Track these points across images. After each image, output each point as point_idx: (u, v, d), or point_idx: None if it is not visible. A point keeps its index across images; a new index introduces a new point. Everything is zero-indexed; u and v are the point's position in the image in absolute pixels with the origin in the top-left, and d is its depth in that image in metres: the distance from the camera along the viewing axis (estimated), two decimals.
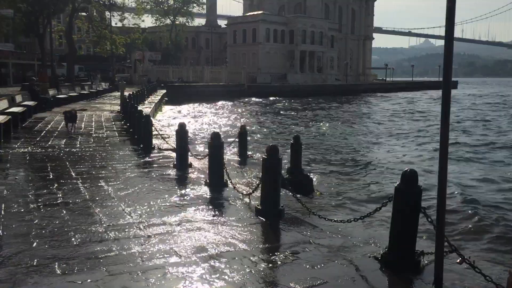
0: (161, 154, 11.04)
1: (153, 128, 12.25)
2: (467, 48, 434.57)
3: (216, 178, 7.71)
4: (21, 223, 5.61)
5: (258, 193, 6.42)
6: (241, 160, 13.82)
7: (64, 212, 6.14)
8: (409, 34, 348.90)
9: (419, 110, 44.66)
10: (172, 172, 8.92)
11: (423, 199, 4.38)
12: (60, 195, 7.01)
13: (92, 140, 13.27)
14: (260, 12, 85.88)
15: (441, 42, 6.20)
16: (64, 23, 55.53)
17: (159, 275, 4.19)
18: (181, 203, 6.78)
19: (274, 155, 5.97)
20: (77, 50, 52.79)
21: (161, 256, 4.64)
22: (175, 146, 9.95)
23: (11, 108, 16.41)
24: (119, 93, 30.12)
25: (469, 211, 10.35)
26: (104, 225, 5.60)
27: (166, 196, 7.10)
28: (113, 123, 18.12)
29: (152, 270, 4.29)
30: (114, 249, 4.81)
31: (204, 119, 32.35)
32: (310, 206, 6.30)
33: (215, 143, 7.66)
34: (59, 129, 15.55)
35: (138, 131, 12.87)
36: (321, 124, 30.42)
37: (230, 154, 14.98)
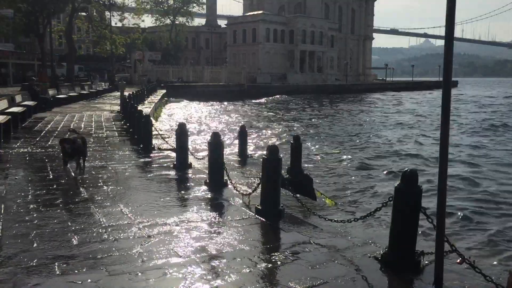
0: (161, 154, 11.04)
1: (153, 128, 12.24)
2: (467, 48, 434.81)
3: (216, 178, 7.70)
4: (21, 223, 5.60)
5: (258, 193, 6.41)
6: (241, 160, 13.82)
7: (64, 212, 6.14)
8: (409, 34, 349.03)
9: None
10: (172, 172, 8.91)
11: (423, 199, 4.37)
12: (60, 195, 7.01)
13: (92, 140, 13.26)
14: (260, 12, 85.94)
15: (441, 42, 6.20)
16: (64, 23, 55.47)
17: (159, 275, 4.19)
18: (181, 203, 6.78)
19: (274, 155, 5.97)
20: (77, 50, 52.84)
21: (161, 256, 4.63)
22: (175, 146, 9.95)
23: (11, 108, 16.40)
24: (119, 93, 30.16)
25: (469, 211, 10.36)
26: (104, 225, 5.60)
27: (166, 196, 7.09)
28: (113, 123, 18.11)
29: (152, 270, 4.28)
30: (114, 249, 4.80)
31: (203, 119, 32.34)
32: (310, 206, 6.30)
33: (215, 142, 7.65)
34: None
35: (138, 131, 12.86)
36: (321, 123, 30.40)
37: (230, 154, 14.97)
